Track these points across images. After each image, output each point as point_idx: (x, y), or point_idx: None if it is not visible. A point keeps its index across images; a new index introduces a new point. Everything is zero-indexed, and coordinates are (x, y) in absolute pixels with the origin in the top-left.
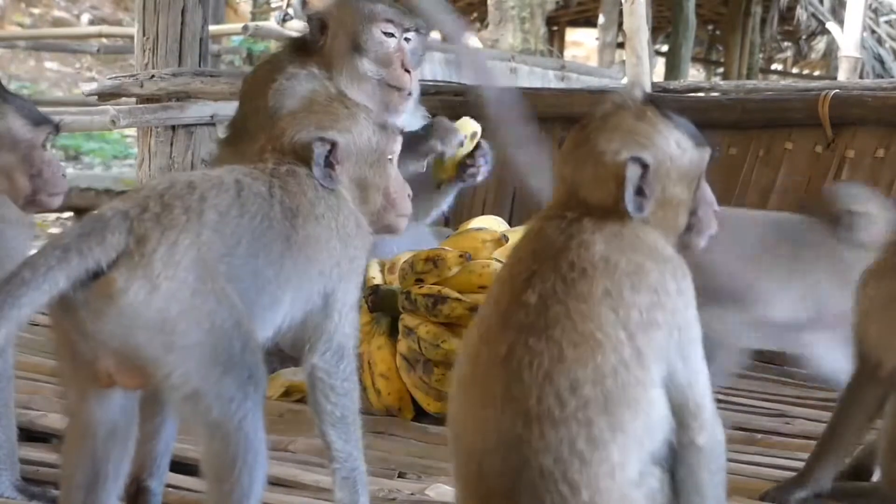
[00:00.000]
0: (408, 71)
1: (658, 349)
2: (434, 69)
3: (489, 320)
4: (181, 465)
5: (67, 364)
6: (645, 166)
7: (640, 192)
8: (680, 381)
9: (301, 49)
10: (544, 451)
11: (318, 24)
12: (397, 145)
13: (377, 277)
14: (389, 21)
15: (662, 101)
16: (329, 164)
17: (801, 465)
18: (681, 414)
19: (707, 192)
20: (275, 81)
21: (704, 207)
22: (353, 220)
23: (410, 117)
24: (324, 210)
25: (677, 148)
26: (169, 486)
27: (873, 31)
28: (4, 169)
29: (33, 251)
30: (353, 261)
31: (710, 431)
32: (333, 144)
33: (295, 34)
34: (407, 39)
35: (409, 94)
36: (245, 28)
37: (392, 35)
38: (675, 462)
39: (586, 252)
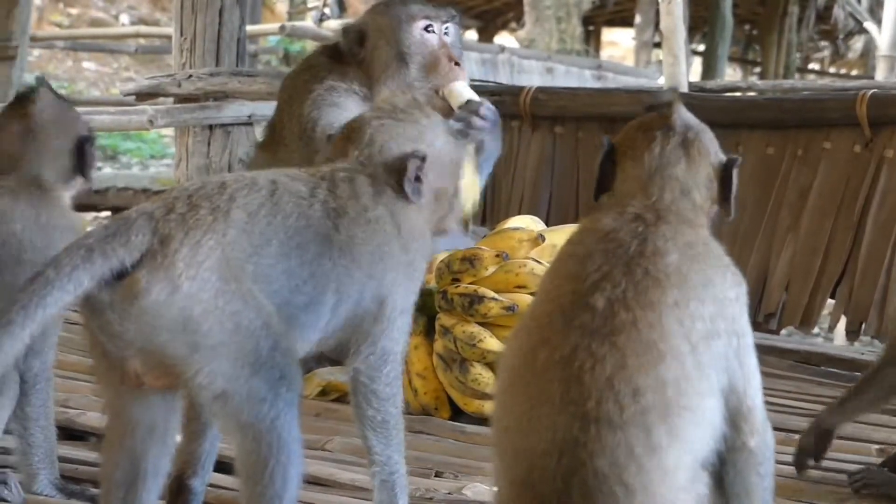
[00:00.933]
0: (457, 64)
1: (718, 358)
2: (471, 69)
3: (550, 318)
4: (218, 464)
5: (100, 363)
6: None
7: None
8: (736, 386)
9: (336, 57)
10: (600, 454)
11: (357, 35)
12: (467, 154)
13: None
14: (427, 17)
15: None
16: (417, 177)
17: (837, 465)
18: (733, 417)
19: None
20: (312, 91)
21: None
22: (416, 227)
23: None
24: (382, 214)
25: None
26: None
27: None
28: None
29: None
30: (411, 266)
31: (762, 434)
32: (423, 158)
33: (331, 34)
34: (446, 32)
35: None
36: (282, 28)
37: (432, 31)
38: (725, 465)
39: (661, 260)
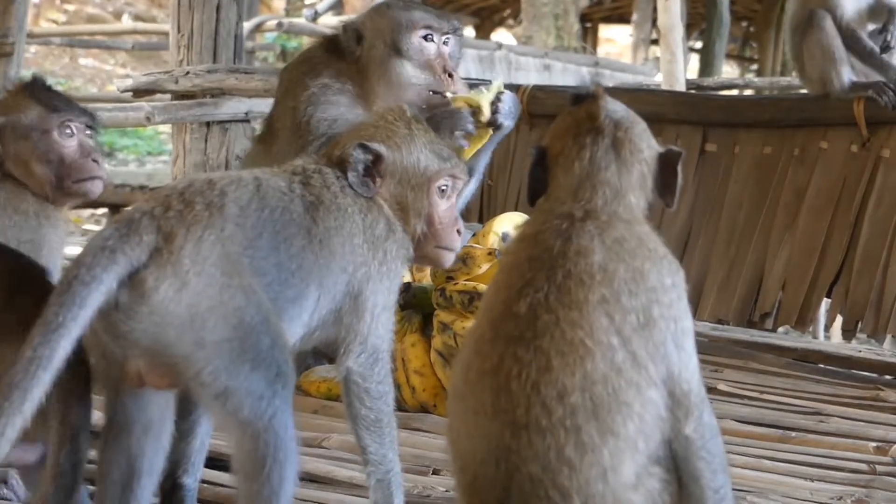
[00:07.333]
0: (451, 75)
1: (658, 346)
2: (467, 66)
3: (482, 329)
4: (215, 461)
5: (99, 363)
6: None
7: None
8: (673, 371)
9: (334, 51)
10: (532, 460)
11: (354, 35)
12: (457, 182)
13: (406, 276)
14: (428, 27)
15: None
16: (370, 174)
17: (835, 462)
18: (669, 404)
19: None
20: (308, 88)
21: None
22: (384, 225)
23: None
24: (349, 205)
25: None
26: (202, 481)
27: None
28: (20, 157)
29: (68, 247)
30: (384, 264)
31: (697, 418)
32: (378, 156)
33: (328, 30)
34: (445, 43)
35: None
36: (262, 25)
37: (431, 40)
38: (672, 454)
39: (584, 260)
